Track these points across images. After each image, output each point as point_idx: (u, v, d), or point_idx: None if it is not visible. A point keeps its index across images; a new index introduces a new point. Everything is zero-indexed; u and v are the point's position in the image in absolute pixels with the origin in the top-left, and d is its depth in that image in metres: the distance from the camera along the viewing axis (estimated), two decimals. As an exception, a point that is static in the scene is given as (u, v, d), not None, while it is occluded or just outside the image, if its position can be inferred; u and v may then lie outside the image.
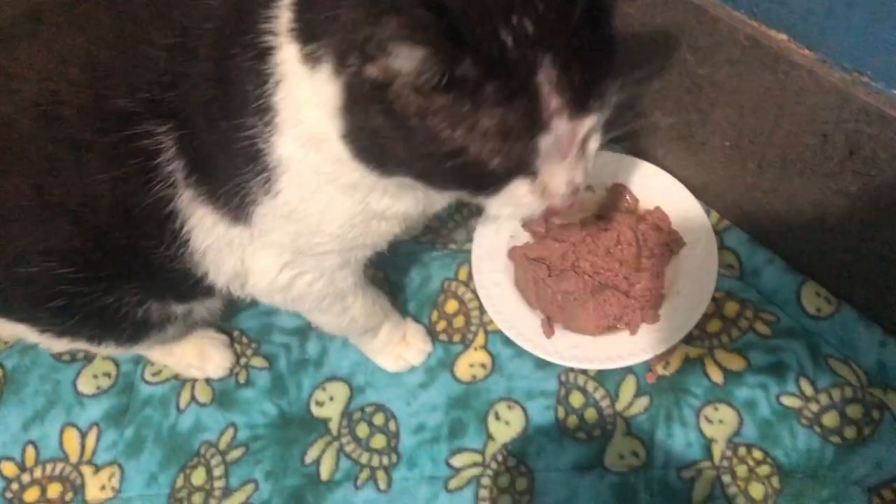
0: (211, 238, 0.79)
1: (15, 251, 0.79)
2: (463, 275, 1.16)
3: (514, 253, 1.10)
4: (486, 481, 0.99)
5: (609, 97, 0.62)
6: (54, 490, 1.06)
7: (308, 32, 0.63)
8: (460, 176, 0.62)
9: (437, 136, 0.58)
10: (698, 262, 1.06)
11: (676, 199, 1.11)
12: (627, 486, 0.97)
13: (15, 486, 1.06)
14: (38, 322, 0.90)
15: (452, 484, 1.00)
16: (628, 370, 1.04)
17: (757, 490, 0.95)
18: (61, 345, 0.97)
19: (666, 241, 1.08)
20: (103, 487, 1.05)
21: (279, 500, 1.01)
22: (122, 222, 0.77)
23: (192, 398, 1.10)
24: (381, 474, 1.01)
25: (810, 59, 0.84)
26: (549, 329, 1.05)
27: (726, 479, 0.96)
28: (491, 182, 0.64)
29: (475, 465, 1.01)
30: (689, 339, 1.04)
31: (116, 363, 1.14)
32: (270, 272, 0.83)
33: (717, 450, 0.98)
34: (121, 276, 0.84)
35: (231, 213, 0.76)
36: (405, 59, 0.53)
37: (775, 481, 0.95)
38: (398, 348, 1.08)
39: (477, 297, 1.10)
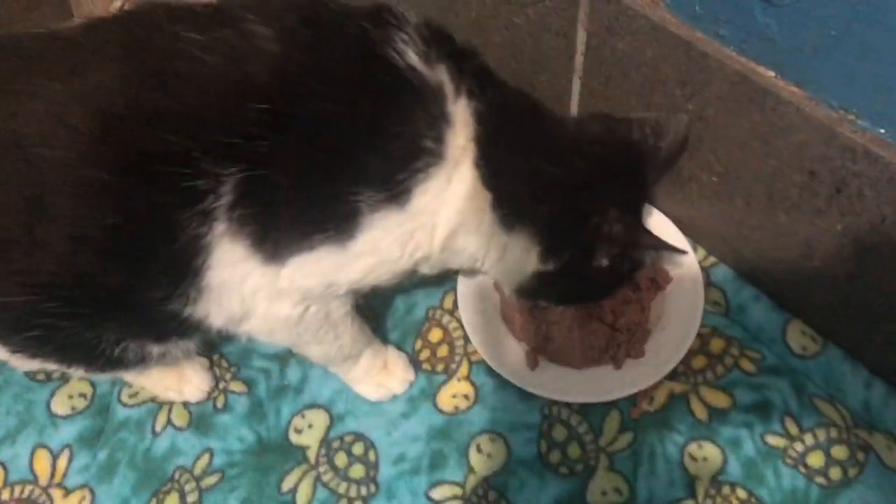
0: (226, 276, 0.76)
1: None
2: (448, 303, 1.15)
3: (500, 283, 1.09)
4: (465, 515, 0.97)
5: None
6: (22, 513, 1.03)
7: (503, 195, 0.76)
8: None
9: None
10: (685, 297, 1.06)
11: (663, 234, 1.09)
12: (609, 523, 0.95)
13: (-18, 507, 1.04)
14: (11, 344, 0.87)
15: (431, 516, 0.98)
16: (613, 405, 1.03)
17: (741, 530, 0.93)
18: (31, 365, 0.95)
19: (652, 275, 1.08)
20: (73, 511, 1.02)
21: (253, 528, 0.99)
22: (120, 263, 0.74)
23: (169, 421, 1.08)
24: (358, 505, 0.99)
25: (798, 95, 0.85)
26: (533, 361, 1.04)
27: (710, 518, 0.94)
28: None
29: (455, 497, 0.99)
30: (674, 375, 1.03)
31: (93, 384, 1.12)
32: (284, 309, 0.81)
33: (701, 488, 0.96)
34: (103, 314, 0.81)
35: (269, 254, 0.74)
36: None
37: (759, 522, 0.93)
38: (379, 376, 1.06)
39: (462, 327, 1.09)
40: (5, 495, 1.04)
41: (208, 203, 0.70)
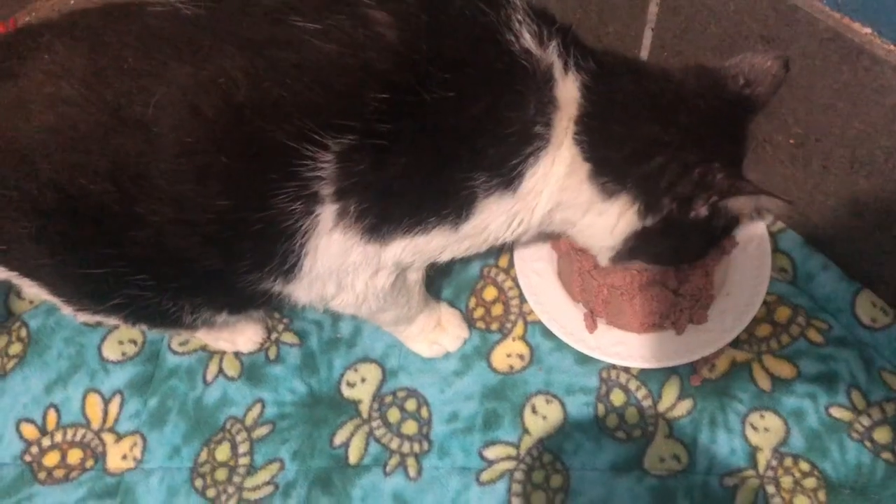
0: (327, 261, 0.76)
1: (87, 253, 0.75)
2: (504, 262, 1.12)
3: (558, 242, 1.06)
4: (519, 476, 0.96)
5: None
6: (74, 456, 1.03)
7: (604, 164, 0.76)
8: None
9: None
10: (750, 263, 1.02)
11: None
12: (667, 490, 0.93)
13: (34, 449, 1.04)
14: (89, 311, 0.86)
15: (485, 476, 0.97)
16: (672, 371, 1.00)
17: (802, 502, 0.91)
18: (90, 319, 0.94)
19: (718, 239, 1.04)
20: (125, 457, 1.02)
21: (305, 481, 0.98)
22: (221, 245, 0.73)
23: (220, 371, 1.07)
24: (411, 461, 0.98)
25: None
26: (591, 323, 1.01)
27: (770, 489, 0.92)
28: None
29: (509, 458, 0.98)
30: (736, 343, 1.00)
31: (143, 331, 1.11)
32: (380, 282, 0.82)
33: (762, 458, 0.94)
34: (191, 290, 0.81)
35: (377, 237, 0.74)
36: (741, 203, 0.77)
37: (821, 495, 0.91)
38: (433, 334, 1.05)
39: (517, 286, 1.07)
40: (58, 437, 1.05)
41: (320, 191, 0.69)
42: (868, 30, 0.81)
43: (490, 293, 1.11)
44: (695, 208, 0.77)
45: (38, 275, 0.80)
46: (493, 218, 0.76)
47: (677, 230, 0.80)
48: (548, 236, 1.02)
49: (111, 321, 0.90)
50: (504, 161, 0.73)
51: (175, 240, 0.72)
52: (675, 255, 0.88)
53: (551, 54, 0.74)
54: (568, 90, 0.75)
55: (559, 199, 0.79)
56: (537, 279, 1.06)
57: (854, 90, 0.85)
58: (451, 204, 0.73)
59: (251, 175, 0.68)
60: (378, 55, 0.68)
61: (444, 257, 0.83)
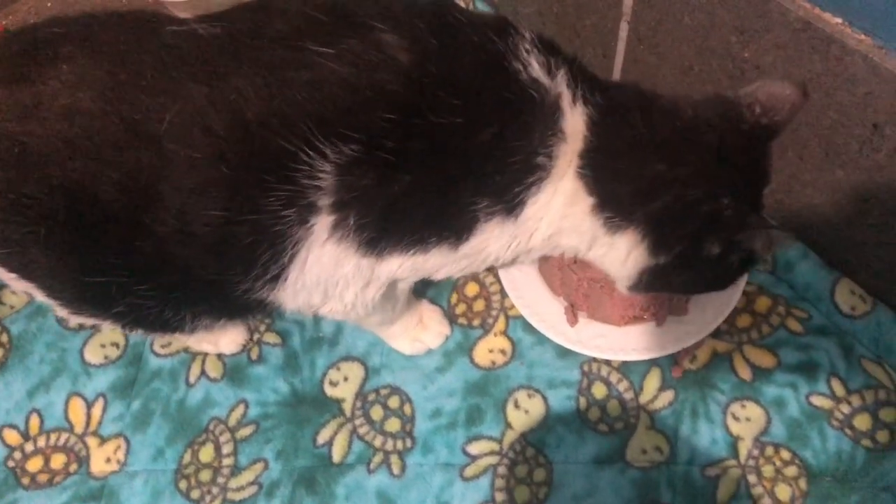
0: (321, 273, 0.76)
1: (92, 260, 0.76)
2: (485, 257, 1.12)
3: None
4: (502, 470, 0.96)
5: None
6: (58, 461, 1.03)
7: (608, 200, 0.75)
8: None
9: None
10: (730, 253, 1.02)
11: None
12: (649, 481, 0.94)
13: (18, 454, 1.04)
14: (80, 311, 0.86)
15: (468, 472, 0.97)
16: (653, 363, 1.01)
17: (783, 491, 0.92)
18: (80, 321, 0.94)
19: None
20: (108, 460, 1.02)
21: (289, 480, 0.98)
22: (222, 258, 0.74)
23: (203, 372, 1.07)
24: (395, 459, 0.98)
25: (866, 44, 0.80)
26: (572, 317, 1.02)
27: (752, 478, 0.93)
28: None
29: (492, 453, 0.98)
30: (717, 334, 1.01)
31: (125, 334, 1.11)
32: (370, 293, 0.82)
33: (744, 448, 0.94)
34: (192, 298, 0.82)
35: (373, 252, 0.74)
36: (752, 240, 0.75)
37: (803, 483, 0.92)
38: (414, 331, 1.05)
39: (498, 281, 1.07)
40: (41, 442, 1.05)
41: (317, 201, 0.69)
42: (839, 20, 0.82)
43: (472, 289, 1.11)
44: (706, 246, 0.76)
45: (39, 278, 0.80)
46: (492, 241, 0.76)
47: (692, 266, 0.78)
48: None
49: (106, 325, 0.90)
50: (508, 188, 0.73)
51: (178, 250, 0.73)
52: (695, 287, 0.86)
53: (560, 84, 0.74)
54: (575, 123, 0.74)
55: (560, 227, 0.79)
56: (518, 274, 1.06)
57: (826, 80, 0.86)
58: (454, 225, 0.74)
59: (247, 180, 0.69)
60: (389, 77, 0.68)
61: (440, 276, 0.82)
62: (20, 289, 0.85)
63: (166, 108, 0.69)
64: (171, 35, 0.73)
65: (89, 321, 0.90)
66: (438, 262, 0.78)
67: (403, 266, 0.77)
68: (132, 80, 0.70)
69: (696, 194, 0.74)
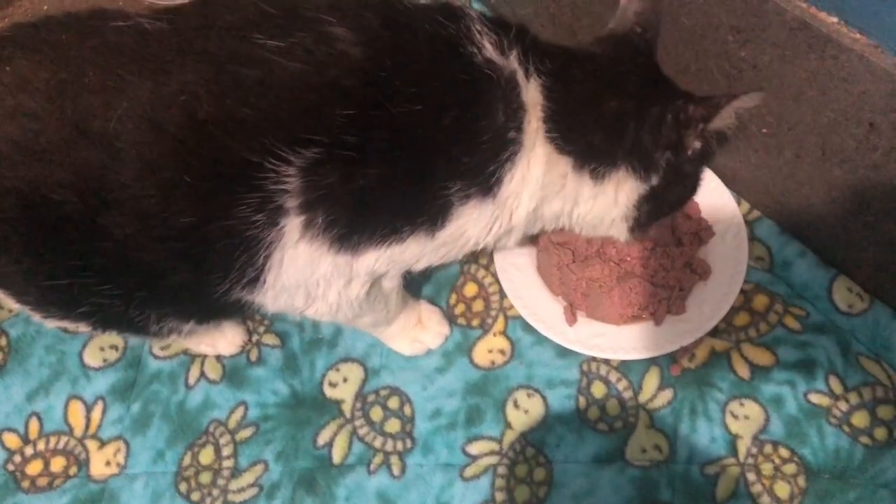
0: (297, 274, 0.76)
1: (51, 262, 0.75)
2: (483, 258, 1.12)
3: (537, 237, 1.07)
4: (502, 470, 0.97)
5: None
6: (58, 464, 1.03)
7: (586, 152, 0.78)
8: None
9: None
10: (727, 252, 1.03)
11: (706, 188, 1.05)
12: (649, 480, 0.94)
13: (17, 458, 1.04)
14: (49, 314, 0.85)
15: (468, 472, 0.97)
16: (652, 361, 1.01)
17: (782, 489, 0.92)
18: (59, 325, 0.93)
19: (695, 229, 1.05)
20: (108, 463, 1.02)
21: (289, 482, 0.98)
22: (188, 260, 0.73)
23: (202, 374, 1.07)
24: (395, 459, 0.99)
25: (861, 42, 0.80)
26: (571, 316, 1.02)
27: (751, 476, 0.93)
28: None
29: (492, 453, 0.98)
30: (715, 332, 1.01)
31: (123, 337, 1.11)
32: (353, 291, 0.82)
33: (743, 446, 0.95)
34: (157, 300, 0.81)
35: (347, 248, 0.74)
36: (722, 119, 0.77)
37: (801, 481, 0.92)
38: (413, 331, 1.05)
39: (497, 281, 1.07)
40: (40, 446, 1.04)
41: (284, 203, 0.69)
42: (834, 19, 0.82)
43: (470, 289, 1.11)
44: (688, 146, 0.80)
45: (4, 282, 0.80)
46: (471, 223, 0.77)
47: (680, 172, 0.82)
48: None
49: (81, 328, 0.89)
50: (481, 168, 0.73)
51: (140, 253, 0.72)
52: (682, 196, 0.89)
53: (513, 62, 0.75)
54: (532, 94, 0.76)
55: (542, 195, 0.80)
56: (517, 274, 1.06)
57: (822, 79, 0.86)
58: (427, 212, 0.74)
59: (214, 190, 0.68)
60: (343, 72, 0.68)
61: (420, 265, 0.83)
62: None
63: (111, 106, 0.67)
64: (114, 31, 0.72)
65: (59, 324, 0.89)
66: (417, 252, 0.78)
67: (381, 259, 0.76)
68: (74, 78, 0.69)
69: (655, 109, 0.78)
